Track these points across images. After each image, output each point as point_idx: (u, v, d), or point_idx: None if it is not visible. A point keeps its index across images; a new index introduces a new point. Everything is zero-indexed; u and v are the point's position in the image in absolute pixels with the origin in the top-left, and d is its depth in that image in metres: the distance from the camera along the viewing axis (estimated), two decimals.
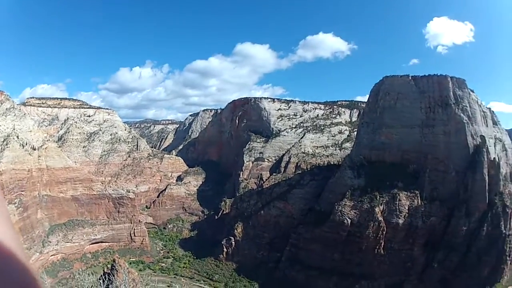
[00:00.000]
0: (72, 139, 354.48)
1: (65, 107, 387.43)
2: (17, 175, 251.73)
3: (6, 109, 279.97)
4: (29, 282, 5.16)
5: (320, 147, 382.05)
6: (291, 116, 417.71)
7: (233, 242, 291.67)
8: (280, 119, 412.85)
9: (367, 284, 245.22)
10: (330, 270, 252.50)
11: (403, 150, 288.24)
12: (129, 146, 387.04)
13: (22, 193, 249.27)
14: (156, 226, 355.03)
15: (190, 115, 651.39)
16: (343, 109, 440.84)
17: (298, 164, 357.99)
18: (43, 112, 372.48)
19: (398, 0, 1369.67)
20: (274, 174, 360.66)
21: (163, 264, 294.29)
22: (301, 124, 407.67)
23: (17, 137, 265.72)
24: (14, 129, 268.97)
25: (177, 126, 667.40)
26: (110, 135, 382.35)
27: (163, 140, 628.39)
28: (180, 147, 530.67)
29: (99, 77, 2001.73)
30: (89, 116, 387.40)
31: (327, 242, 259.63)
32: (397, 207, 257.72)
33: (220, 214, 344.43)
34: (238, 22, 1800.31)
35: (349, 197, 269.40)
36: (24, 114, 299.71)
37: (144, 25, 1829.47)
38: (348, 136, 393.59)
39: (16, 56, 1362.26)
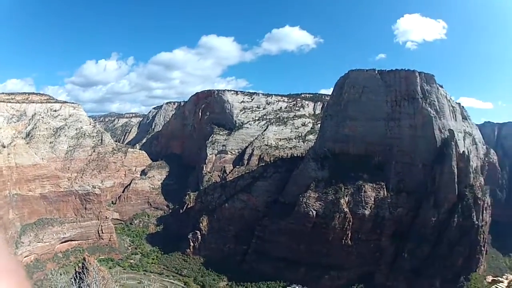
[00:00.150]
0: (39, 135, 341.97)
1: (33, 102, 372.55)
2: None
3: None
4: (14, 268, 5.65)
5: (283, 139, 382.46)
6: (254, 109, 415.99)
7: (199, 236, 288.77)
8: (243, 111, 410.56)
9: (337, 275, 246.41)
10: (298, 261, 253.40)
11: (368, 142, 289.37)
12: (93, 141, 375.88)
13: None
14: (122, 222, 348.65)
15: (154, 108, 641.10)
16: (306, 102, 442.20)
17: (261, 157, 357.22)
18: (12, 108, 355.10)
19: None
20: (237, 166, 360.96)
21: (132, 261, 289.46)
22: (264, 117, 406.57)
23: None
24: None
25: (141, 119, 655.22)
26: (76, 130, 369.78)
27: (127, 133, 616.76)
28: (144, 140, 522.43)
29: (65, 71, 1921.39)
30: (55, 111, 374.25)
31: (293, 233, 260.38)
32: (362, 199, 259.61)
33: (185, 208, 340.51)
34: (204, 14, 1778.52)
35: (314, 189, 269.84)
36: None
37: (111, 16, 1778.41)
38: (311, 128, 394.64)
39: None
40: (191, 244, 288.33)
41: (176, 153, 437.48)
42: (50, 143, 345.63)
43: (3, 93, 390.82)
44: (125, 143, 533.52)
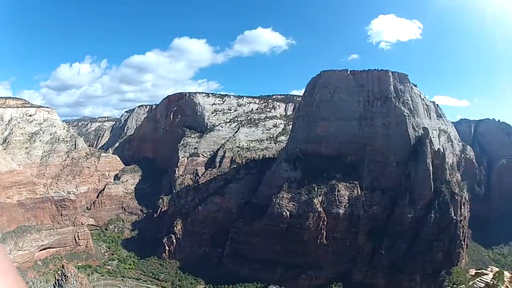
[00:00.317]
0: (16, 140, 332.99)
1: (9, 107, 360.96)
2: None
3: None
4: (10, 267, 5.99)
5: (254, 141, 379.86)
6: (226, 111, 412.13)
7: (174, 240, 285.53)
8: (215, 114, 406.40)
9: (314, 274, 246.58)
10: (274, 262, 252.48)
11: (340, 142, 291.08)
12: (67, 146, 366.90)
13: None
14: (98, 228, 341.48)
15: (126, 112, 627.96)
16: (278, 103, 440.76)
17: (233, 159, 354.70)
18: None
19: None
20: (209, 169, 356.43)
21: (109, 267, 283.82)
22: (236, 119, 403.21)
23: None
24: None
25: (113, 123, 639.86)
26: (50, 134, 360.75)
27: (100, 138, 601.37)
28: (116, 144, 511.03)
29: (41, 74, 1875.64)
30: (30, 115, 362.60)
31: (268, 234, 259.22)
32: (336, 198, 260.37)
33: (158, 212, 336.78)
34: (177, 16, 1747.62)
35: (286, 189, 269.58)
36: None
37: (84, 18, 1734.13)
38: (283, 129, 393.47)
39: None
40: (167, 248, 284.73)
41: (148, 156, 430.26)
42: (25, 148, 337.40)
43: None
44: (98, 147, 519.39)
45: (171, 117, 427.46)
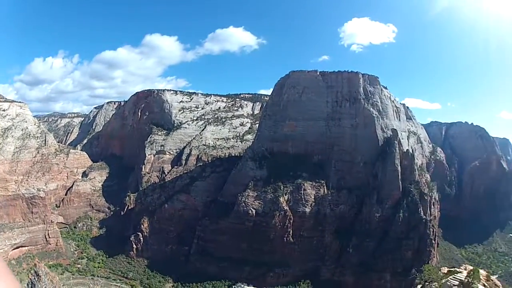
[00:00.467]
0: None
1: None
2: None
3: None
4: (5, 269, 6.40)
5: (221, 139, 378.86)
6: (193, 109, 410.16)
7: (141, 238, 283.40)
8: (182, 111, 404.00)
9: (281, 272, 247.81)
10: (242, 260, 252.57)
11: (307, 141, 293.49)
12: (38, 142, 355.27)
13: None
14: (67, 226, 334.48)
15: (95, 108, 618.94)
16: (245, 102, 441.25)
17: (199, 157, 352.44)
18: None
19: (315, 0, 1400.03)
20: (175, 167, 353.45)
21: (79, 266, 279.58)
22: (203, 117, 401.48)
23: None
24: None
25: (82, 119, 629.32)
26: (22, 130, 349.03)
27: (69, 134, 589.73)
28: (85, 141, 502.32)
29: (15, 68, 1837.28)
30: (4, 110, 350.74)
31: (234, 233, 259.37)
32: (302, 196, 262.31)
33: (125, 209, 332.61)
34: (149, 13, 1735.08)
35: (252, 188, 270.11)
36: None
37: (59, 12, 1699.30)
38: (249, 128, 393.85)
39: None
40: (134, 246, 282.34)
41: (116, 153, 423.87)
42: None
43: None
44: (67, 144, 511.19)
45: (139, 114, 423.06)
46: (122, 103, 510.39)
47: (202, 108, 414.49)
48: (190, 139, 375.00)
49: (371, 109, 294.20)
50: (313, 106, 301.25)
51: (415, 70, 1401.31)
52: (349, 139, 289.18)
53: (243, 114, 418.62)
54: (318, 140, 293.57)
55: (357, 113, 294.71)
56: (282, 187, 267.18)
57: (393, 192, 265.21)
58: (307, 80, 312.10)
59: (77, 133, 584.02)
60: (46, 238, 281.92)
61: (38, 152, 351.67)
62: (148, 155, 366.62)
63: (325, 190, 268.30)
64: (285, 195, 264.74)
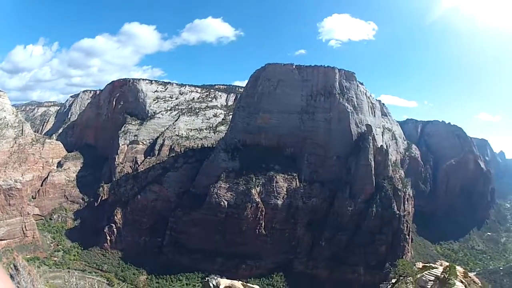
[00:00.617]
0: None
1: None
2: None
3: None
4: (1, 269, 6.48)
5: (194, 130, 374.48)
6: (167, 99, 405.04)
7: (114, 229, 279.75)
8: (156, 101, 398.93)
9: (254, 264, 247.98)
10: (214, 252, 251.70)
11: (280, 134, 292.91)
12: (15, 131, 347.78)
13: None
14: (43, 218, 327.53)
15: (71, 97, 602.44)
16: (219, 93, 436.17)
17: (172, 147, 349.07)
18: None
19: None
20: (148, 157, 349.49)
21: (55, 258, 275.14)
22: (177, 107, 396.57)
23: None
24: None
25: (58, 108, 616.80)
26: (0, 120, 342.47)
27: (45, 123, 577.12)
28: (60, 130, 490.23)
29: None
30: None
31: (206, 224, 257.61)
32: (274, 189, 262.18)
33: (99, 200, 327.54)
34: (128, 1, 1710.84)
35: (224, 179, 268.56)
36: None
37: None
38: (223, 119, 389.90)
39: None
40: (108, 238, 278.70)
41: (90, 143, 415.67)
42: None
43: None
44: (43, 133, 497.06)
45: (114, 103, 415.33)
46: (98, 92, 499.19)
47: (176, 98, 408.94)
48: (163, 129, 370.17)
49: (346, 104, 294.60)
50: (287, 99, 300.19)
51: (393, 68, 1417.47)
52: (323, 133, 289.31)
53: (217, 105, 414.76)
54: (292, 133, 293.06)
55: (332, 107, 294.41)
56: (254, 179, 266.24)
57: (366, 187, 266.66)
58: (283, 73, 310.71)
59: (53, 122, 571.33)
60: (23, 231, 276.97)
61: (15, 142, 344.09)
62: (122, 145, 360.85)
63: (298, 183, 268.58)
64: (257, 187, 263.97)
